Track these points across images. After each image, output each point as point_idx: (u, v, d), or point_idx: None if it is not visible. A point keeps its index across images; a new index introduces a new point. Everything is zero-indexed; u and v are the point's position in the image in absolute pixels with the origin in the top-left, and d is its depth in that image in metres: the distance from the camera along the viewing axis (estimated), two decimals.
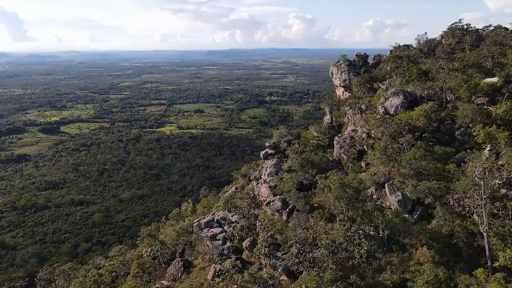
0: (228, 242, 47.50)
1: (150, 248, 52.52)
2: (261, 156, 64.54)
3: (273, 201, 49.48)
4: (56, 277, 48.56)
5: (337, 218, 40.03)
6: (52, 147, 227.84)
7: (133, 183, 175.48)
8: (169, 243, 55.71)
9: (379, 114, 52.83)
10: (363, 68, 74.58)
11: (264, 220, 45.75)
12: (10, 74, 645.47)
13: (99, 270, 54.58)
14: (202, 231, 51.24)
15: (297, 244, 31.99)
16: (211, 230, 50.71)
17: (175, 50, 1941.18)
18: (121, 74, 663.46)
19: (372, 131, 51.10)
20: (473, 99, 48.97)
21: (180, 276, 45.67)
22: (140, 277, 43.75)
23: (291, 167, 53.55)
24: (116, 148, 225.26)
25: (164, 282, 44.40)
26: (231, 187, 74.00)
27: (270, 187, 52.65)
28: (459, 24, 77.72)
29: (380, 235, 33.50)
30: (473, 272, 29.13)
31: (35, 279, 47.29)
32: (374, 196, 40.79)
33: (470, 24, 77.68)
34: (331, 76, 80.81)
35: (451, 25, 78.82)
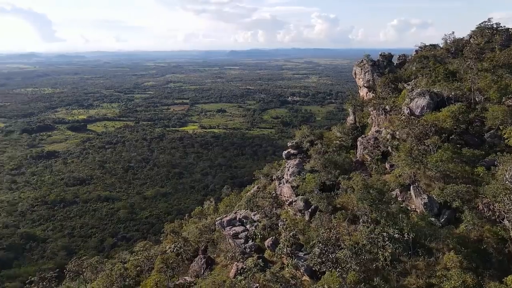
0: (250, 240, 47.83)
1: (173, 245, 53.49)
2: (283, 156, 64.61)
3: (295, 201, 49.49)
4: (84, 270, 50.15)
5: (361, 220, 39.67)
6: (79, 144, 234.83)
7: (156, 181, 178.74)
8: (192, 240, 56.57)
9: (404, 115, 51.98)
10: (388, 68, 73.38)
11: (286, 220, 45.80)
12: (40, 74, 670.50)
13: (125, 264, 56.11)
14: (225, 229, 51.81)
15: (320, 244, 31.99)
16: (233, 228, 51.20)
17: (198, 50, 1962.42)
18: (145, 74, 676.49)
19: (397, 132, 50.33)
20: (503, 100, 47.48)
21: (203, 273, 46.37)
22: (164, 272, 44.68)
23: (313, 167, 53.34)
24: (140, 146, 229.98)
25: (187, 278, 45.22)
26: (253, 187, 74.40)
27: (292, 187, 52.64)
28: (488, 24, 75.12)
29: (405, 238, 33.03)
30: (503, 279, 28.25)
31: (64, 271, 48.91)
32: (399, 199, 40.23)
33: (500, 24, 75.06)
34: (354, 77, 79.92)
35: (479, 24, 76.31)
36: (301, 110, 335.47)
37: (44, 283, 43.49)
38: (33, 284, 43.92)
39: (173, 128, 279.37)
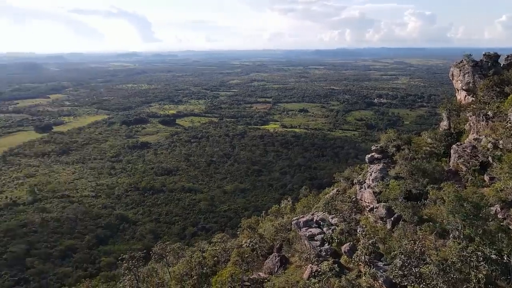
0: (326, 244, 46.66)
1: (249, 240, 54.51)
2: (366, 159, 61.78)
3: (376, 207, 47.01)
4: (167, 254, 53.80)
5: (451, 235, 36.15)
6: (168, 137, 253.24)
7: (236, 176, 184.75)
8: (267, 237, 57.17)
9: (510, 123, 46.10)
10: (492, 69, 65.60)
11: (365, 227, 43.74)
12: (139, 71, 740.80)
13: (203, 253, 58.81)
14: (300, 230, 51.30)
15: (402, 256, 29.95)
16: (309, 230, 50.43)
17: (283, 49, 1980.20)
18: (231, 72, 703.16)
19: (500, 141, 44.85)
20: None
21: (277, 271, 46.53)
22: (239, 266, 45.80)
23: (399, 173, 50.08)
24: (222, 142, 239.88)
25: (261, 274, 45.81)
26: (332, 189, 72.53)
27: (374, 192, 50.09)
28: None
29: (504, 261, 29.31)
30: None
31: (150, 252, 53.02)
32: (499, 216, 35.81)
33: None
34: (451, 78, 73.04)
35: None
36: (387, 113, 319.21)
37: (133, 261, 47.70)
38: (124, 261, 48.39)
39: (255, 126, 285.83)
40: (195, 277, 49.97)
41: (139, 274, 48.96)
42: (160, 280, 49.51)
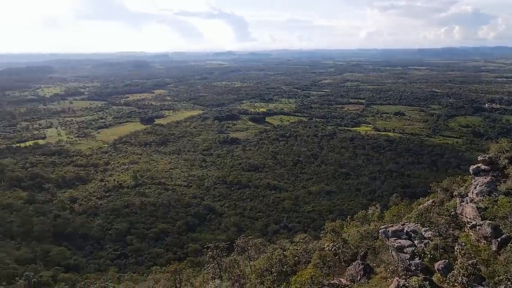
0: (417, 258, 42.89)
1: (332, 244, 52.89)
2: (471, 170, 55.24)
3: (480, 225, 41.73)
4: (249, 247, 55.06)
5: None
6: (257, 134, 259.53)
7: (322, 178, 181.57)
8: (351, 243, 54.75)
9: None
10: None
11: (465, 245, 39.13)
12: (233, 70, 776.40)
13: (284, 252, 58.76)
14: (388, 240, 48.01)
15: (509, 283, 26.07)
16: (398, 241, 46.87)
17: (380, 48, 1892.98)
18: (323, 72, 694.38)
19: None
20: None
21: (359, 279, 44.25)
22: (321, 268, 44.66)
23: (510, 189, 43.81)
24: (310, 142, 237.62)
25: (342, 280, 44.00)
26: (428, 200, 66.55)
27: (478, 208, 44.53)
28: None
29: None
30: None
31: (233, 244, 54.79)
32: None
33: None
34: None
35: None
36: (500, 120, 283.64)
37: (217, 251, 49.87)
38: (209, 250, 50.78)
39: (345, 128, 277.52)
40: (275, 274, 50.30)
41: (222, 263, 51.01)
42: (241, 272, 50.79)
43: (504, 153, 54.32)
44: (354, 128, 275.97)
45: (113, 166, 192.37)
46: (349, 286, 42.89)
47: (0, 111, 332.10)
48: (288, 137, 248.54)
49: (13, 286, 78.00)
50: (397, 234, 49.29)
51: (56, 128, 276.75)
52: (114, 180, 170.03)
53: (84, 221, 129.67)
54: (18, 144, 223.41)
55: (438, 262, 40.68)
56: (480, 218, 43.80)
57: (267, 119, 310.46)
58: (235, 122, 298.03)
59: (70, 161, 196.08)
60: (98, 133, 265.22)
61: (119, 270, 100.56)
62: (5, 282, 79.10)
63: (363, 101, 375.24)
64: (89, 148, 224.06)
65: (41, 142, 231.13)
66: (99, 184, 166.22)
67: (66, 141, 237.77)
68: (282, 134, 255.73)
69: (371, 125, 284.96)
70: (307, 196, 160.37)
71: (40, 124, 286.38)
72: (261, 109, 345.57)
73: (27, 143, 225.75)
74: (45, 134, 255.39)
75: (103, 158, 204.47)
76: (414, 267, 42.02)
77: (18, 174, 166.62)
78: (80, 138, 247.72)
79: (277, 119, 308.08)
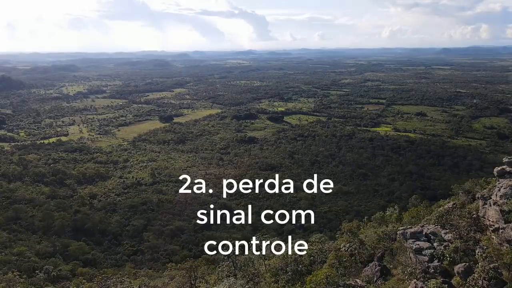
0: (436, 260, 41.71)
1: (348, 244, 52.18)
2: (495, 172, 53.26)
3: (503, 228, 40.22)
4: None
5: None
6: (275, 134, 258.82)
7: (340, 178, 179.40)
8: (368, 244, 53.78)
9: None
10: None
11: (487, 248, 37.83)
12: (253, 68, 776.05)
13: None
14: (407, 242, 46.87)
15: None
16: (417, 242, 45.69)
17: (403, 47, 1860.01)
18: (343, 71, 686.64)
19: None
20: None
21: (375, 281, 43.35)
22: (336, 269, 43.97)
23: None
24: (329, 142, 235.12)
25: (358, 281, 43.18)
26: (448, 202, 64.70)
27: (501, 211, 42.89)
28: None
29: None
30: None
31: (249, 243, 54.66)
32: None
33: None
34: None
35: None
36: None
37: (232, 248, 49.85)
38: (224, 248, 50.90)
39: (364, 128, 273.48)
40: (289, 273, 50.02)
41: (236, 261, 50.95)
42: (256, 271, 50.62)
43: None
44: (373, 129, 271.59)
45: (132, 163, 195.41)
46: (365, 287, 42.08)
47: (26, 108, 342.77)
48: (306, 137, 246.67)
49: (33, 279, 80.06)
50: (415, 236, 48.03)
51: (78, 125, 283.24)
52: (133, 177, 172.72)
53: (102, 217, 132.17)
54: (42, 141, 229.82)
55: (458, 265, 39.37)
56: (503, 221, 42.18)
57: (286, 118, 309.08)
58: (253, 121, 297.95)
59: (90, 157, 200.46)
60: (118, 130, 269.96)
61: (135, 266, 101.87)
62: (25, 275, 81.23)
63: (384, 101, 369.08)
64: (109, 145, 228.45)
65: (63, 139, 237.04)
66: (118, 181, 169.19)
67: (87, 138, 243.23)
68: (300, 134, 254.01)
69: (391, 125, 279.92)
70: (323, 196, 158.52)
71: (63, 122, 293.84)
72: (280, 108, 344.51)
73: (51, 140, 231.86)
74: (67, 131, 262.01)
75: (123, 155, 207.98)
76: (432, 270, 40.82)
77: (41, 169, 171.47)
78: (101, 136, 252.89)
79: (296, 119, 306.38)
